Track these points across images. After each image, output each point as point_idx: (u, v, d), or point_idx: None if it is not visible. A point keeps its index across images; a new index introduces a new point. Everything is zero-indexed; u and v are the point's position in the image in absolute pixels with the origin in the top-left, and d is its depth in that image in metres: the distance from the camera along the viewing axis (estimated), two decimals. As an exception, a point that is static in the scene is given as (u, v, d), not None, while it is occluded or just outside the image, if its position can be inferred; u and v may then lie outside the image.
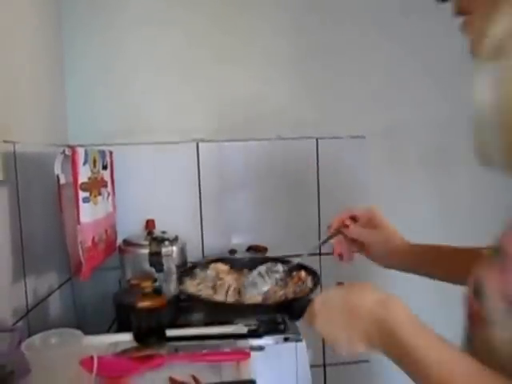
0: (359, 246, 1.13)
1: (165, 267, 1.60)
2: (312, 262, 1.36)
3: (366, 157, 1.99)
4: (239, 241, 1.94)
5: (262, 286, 1.25)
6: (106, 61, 1.88)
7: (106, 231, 1.62)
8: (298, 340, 1.38)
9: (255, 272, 1.30)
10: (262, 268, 1.32)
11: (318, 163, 1.98)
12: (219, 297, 1.27)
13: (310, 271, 1.35)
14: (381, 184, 1.99)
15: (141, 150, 1.90)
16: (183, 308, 1.59)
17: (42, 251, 1.51)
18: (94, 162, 1.51)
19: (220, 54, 1.93)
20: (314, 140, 1.98)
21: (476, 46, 0.58)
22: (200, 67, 1.92)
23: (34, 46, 1.57)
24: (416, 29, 1.97)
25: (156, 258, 1.59)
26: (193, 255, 1.84)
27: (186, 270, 1.45)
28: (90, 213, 1.43)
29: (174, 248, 1.66)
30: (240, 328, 1.34)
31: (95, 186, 1.50)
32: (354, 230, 1.12)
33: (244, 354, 1.20)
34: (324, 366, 1.98)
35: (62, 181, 1.35)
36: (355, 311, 0.71)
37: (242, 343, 1.29)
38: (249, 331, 1.33)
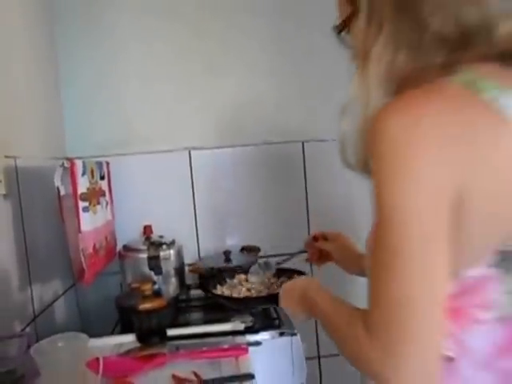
0: (326, 255, 1.43)
1: (163, 270, 1.64)
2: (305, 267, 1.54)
3: (352, 160, 2.00)
4: (233, 242, 1.98)
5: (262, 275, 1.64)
6: (101, 75, 1.91)
7: (106, 238, 1.66)
8: (293, 334, 1.42)
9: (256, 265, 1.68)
10: (261, 261, 1.70)
11: (304, 166, 2.02)
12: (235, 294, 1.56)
13: (300, 272, 1.61)
14: (366, 187, 2.01)
15: (136, 160, 1.93)
16: (182, 308, 1.64)
17: (46, 260, 1.54)
18: (92, 172, 1.55)
19: (209, 64, 1.95)
20: (300, 143, 2.01)
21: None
22: (190, 78, 1.95)
23: (29, 62, 1.59)
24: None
25: (155, 262, 1.62)
26: (189, 257, 1.89)
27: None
28: (90, 221, 1.47)
29: (172, 251, 1.70)
30: (237, 325, 1.38)
31: (94, 196, 1.54)
32: (321, 243, 1.43)
33: (242, 350, 1.23)
34: (318, 357, 2.03)
35: (62, 192, 1.38)
36: (296, 291, 1.03)
37: (239, 339, 1.33)
38: (245, 328, 1.38)
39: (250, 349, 1.24)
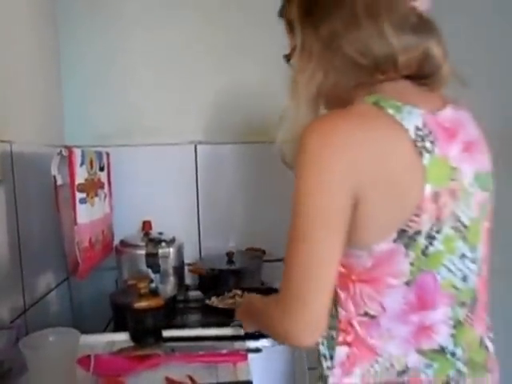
0: None
1: (161, 268, 1.61)
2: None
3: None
4: (237, 243, 1.94)
5: None
6: (103, 62, 1.88)
7: (103, 232, 1.63)
8: None
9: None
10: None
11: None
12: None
13: None
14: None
15: (138, 152, 1.90)
16: (179, 309, 1.60)
17: (40, 251, 1.51)
18: (91, 163, 1.52)
19: (218, 54, 1.92)
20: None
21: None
22: (197, 69, 1.92)
23: (31, 46, 1.57)
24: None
25: (153, 259, 1.60)
26: (190, 257, 1.85)
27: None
28: (86, 214, 1.44)
29: (171, 249, 1.67)
30: (237, 330, 1.33)
31: (92, 188, 1.51)
32: None
33: (240, 356, 1.20)
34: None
35: (59, 181, 1.35)
36: (245, 302, 1.25)
37: (238, 345, 1.29)
38: (246, 333, 1.32)
39: (250, 355, 1.21)
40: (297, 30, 0.90)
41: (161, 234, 1.71)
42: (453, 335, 0.84)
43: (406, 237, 0.78)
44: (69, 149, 1.35)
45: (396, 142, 0.78)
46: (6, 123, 1.32)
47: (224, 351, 1.22)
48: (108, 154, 1.75)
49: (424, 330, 0.84)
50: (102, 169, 1.64)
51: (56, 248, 1.55)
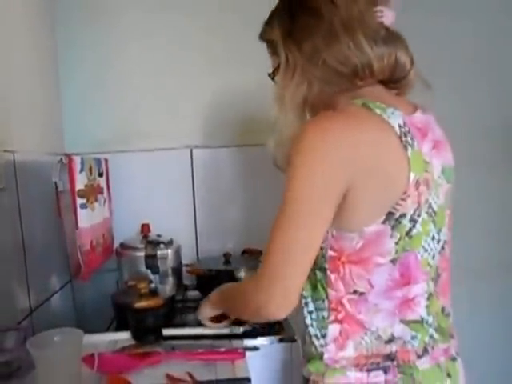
0: None
1: (160, 269, 1.64)
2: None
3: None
4: (234, 244, 1.95)
5: None
6: (100, 70, 1.89)
7: (104, 235, 1.66)
8: (293, 340, 1.39)
9: None
10: None
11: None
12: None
13: None
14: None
15: (135, 157, 1.91)
16: (178, 308, 1.62)
17: (43, 255, 1.53)
18: (90, 169, 1.55)
19: (212, 60, 1.92)
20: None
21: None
22: (193, 74, 1.92)
23: (29, 57, 1.58)
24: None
25: (152, 261, 1.62)
26: (187, 258, 1.87)
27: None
28: (87, 218, 1.47)
29: (169, 251, 1.69)
30: (235, 328, 1.35)
31: (92, 193, 1.54)
32: None
33: (238, 354, 1.22)
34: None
35: (60, 188, 1.38)
36: (210, 298, 1.27)
37: (236, 343, 1.32)
38: (244, 332, 1.35)
39: (247, 354, 1.23)
40: (280, 48, 0.98)
41: (159, 236, 1.73)
42: (427, 306, 0.95)
43: (392, 219, 0.87)
44: (69, 156, 1.38)
45: (385, 138, 0.87)
46: (9, 134, 1.35)
47: (222, 349, 1.24)
48: (106, 160, 1.77)
49: (407, 303, 0.93)
50: (100, 174, 1.67)
51: (59, 252, 1.58)
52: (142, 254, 1.64)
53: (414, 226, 0.89)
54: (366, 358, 0.93)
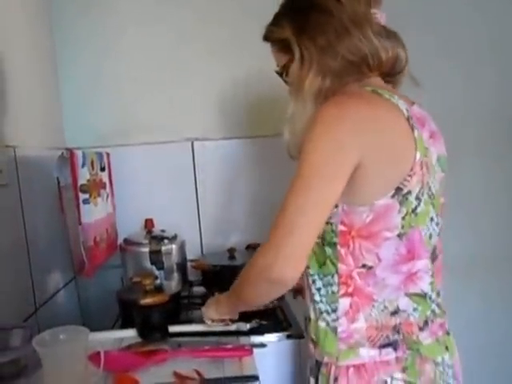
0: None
1: (165, 265, 1.62)
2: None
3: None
4: (238, 239, 1.94)
5: None
6: (100, 63, 1.88)
7: (107, 231, 1.65)
8: (301, 337, 1.37)
9: None
10: None
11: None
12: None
13: None
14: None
15: (137, 151, 1.90)
16: (184, 305, 1.61)
17: (47, 252, 1.53)
18: (92, 163, 1.53)
19: (213, 51, 1.90)
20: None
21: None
22: (194, 65, 1.91)
23: (28, 51, 1.58)
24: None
25: (156, 256, 1.61)
26: (192, 253, 1.85)
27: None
28: (90, 214, 1.45)
29: (174, 246, 1.67)
30: (242, 325, 1.34)
31: (94, 188, 1.52)
32: None
33: (245, 351, 1.21)
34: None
35: (62, 183, 1.37)
36: (211, 302, 1.28)
37: (243, 340, 1.30)
38: (250, 328, 1.34)
39: (255, 351, 1.22)
40: (293, 45, 1.04)
41: (163, 231, 1.71)
42: (431, 283, 1.02)
43: (400, 194, 0.94)
44: (70, 151, 1.36)
45: (395, 118, 0.95)
46: (10, 129, 1.34)
47: (229, 346, 1.23)
48: (108, 154, 1.76)
49: (411, 277, 1.00)
50: (103, 169, 1.65)
51: (62, 248, 1.57)
52: (146, 249, 1.62)
53: (418, 204, 0.96)
54: (376, 330, 0.99)
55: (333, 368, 1.02)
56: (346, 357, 1.00)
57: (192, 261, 1.81)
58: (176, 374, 1.10)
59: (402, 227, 0.96)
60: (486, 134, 2.07)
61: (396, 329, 0.99)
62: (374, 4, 1.04)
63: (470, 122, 2.04)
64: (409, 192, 0.94)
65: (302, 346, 1.38)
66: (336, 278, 1.00)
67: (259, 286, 1.00)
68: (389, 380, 0.98)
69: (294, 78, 1.07)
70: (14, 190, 1.32)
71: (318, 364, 1.07)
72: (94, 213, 1.49)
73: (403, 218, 0.95)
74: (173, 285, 1.64)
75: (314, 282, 1.05)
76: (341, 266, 0.99)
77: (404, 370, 0.99)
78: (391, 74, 1.07)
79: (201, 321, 1.32)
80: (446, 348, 1.04)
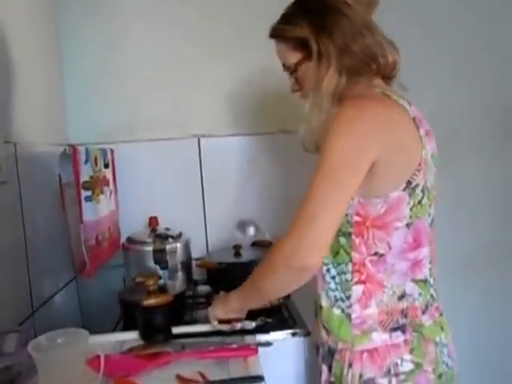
0: None
1: (169, 264, 1.59)
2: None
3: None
4: (245, 236, 1.92)
5: None
6: (105, 59, 1.88)
7: (110, 229, 1.63)
8: (307, 334, 1.37)
9: None
10: None
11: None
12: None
13: None
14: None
15: (142, 147, 1.89)
16: (189, 305, 1.59)
17: (46, 251, 1.51)
18: (96, 160, 1.51)
19: (218, 47, 1.91)
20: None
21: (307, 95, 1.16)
22: (199, 62, 1.90)
23: (33, 46, 1.57)
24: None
25: (160, 255, 1.58)
26: (197, 251, 1.83)
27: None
28: (92, 211, 1.43)
29: (178, 244, 1.65)
30: (248, 323, 1.30)
31: (97, 185, 1.50)
32: None
33: (251, 350, 1.19)
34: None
35: (64, 180, 1.36)
36: (218, 302, 1.28)
37: (249, 339, 1.28)
38: (256, 327, 1.30)
39: (260, 349, 1.20)
40: (312, 43, 1.09)
41: (168, 229, 1.69)
42: (430, 269, 1.11)
43: (410, 187, 1.03)
44: (73, 147, 1.35)
45: (404, 118, 1.04)
46: (10, 124, 1.32)
47: (234, 346, 1.21)
48: (112, 151, 1.74)
49: (417, 264, 1.09)
50: (106, 166, 1.64)
51: (63, 247, 1.56)
52: (150, 248, 1.59)
53: (423, 196, 1.05)
54: (387, 315, 1.06)
55: (347, 354, 1.08)
56: (361, 342, 1.07)
57: (197, 259, 1.78)
58: (179, 377, 1.07)
59: (410, 217, 1.05)
60: (481, 129, 2.09)
61: (404, 313, 1.07)
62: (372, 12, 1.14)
63: (465, 119, 2.06)
64: (416, 185, 1.03)
65: (307, 343, 1.38)
66: (350, 267, 1.08)
67: (282, 275, 1.03)
68: (399, 362, 1.05)
69: (311, 75, 1.12)
70: (14, 187, 1.30)
71: (332, 351, 1.12)
72: (96, 210, 1.47)
73: (411, 209, 1.04)
74: (177, 284, 1.61)
75: (328, 270, 1.11)
76: (355, 255, 1.07)
77: (411, 351, 1.06)
78: (389, 77, 1.15)
79: (206, 321, 1.30)
80: (442, 328, 1.13)
